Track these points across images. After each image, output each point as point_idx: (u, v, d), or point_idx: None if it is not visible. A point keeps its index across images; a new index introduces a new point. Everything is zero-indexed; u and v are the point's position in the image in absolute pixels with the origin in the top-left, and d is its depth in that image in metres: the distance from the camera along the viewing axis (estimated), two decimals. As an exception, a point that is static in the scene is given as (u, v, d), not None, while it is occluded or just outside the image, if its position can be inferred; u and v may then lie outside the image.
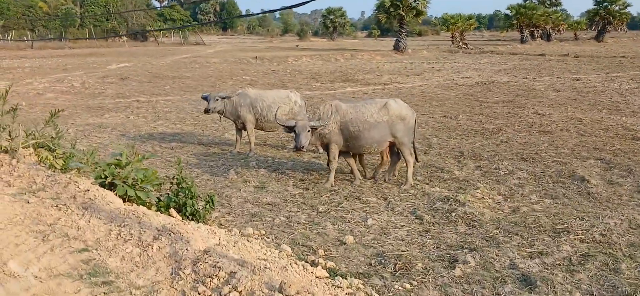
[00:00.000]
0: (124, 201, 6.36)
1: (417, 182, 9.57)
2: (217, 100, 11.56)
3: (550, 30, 67.77)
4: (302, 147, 8.88)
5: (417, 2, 48.08)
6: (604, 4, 68.29)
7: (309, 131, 8.94)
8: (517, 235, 7.11)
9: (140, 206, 6.32)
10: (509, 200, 8.69)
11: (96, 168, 6.57)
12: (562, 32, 70.82)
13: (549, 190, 9.12)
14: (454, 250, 6.57)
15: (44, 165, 7.05)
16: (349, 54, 44.92)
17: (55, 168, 6.93)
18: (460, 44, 54.80)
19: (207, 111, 11.66)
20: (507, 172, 10.14)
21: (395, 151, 9.75)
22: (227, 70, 32.44)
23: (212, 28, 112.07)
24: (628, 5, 68.38)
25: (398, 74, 30.23)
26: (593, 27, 71.81)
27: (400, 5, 47.72)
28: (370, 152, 9.72)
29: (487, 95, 20.69)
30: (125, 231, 4.98)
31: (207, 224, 7.04)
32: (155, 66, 33.71)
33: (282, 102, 11.92)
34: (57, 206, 5.64)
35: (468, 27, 57.67)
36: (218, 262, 4.24)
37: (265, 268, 4.43)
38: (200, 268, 4.24)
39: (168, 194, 7.21)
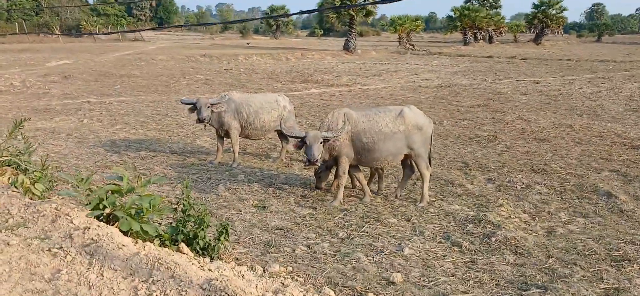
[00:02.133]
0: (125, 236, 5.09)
1: (431, 198, 8.64)
2: (209, 107, 10.22)
3: (492, 32, 68.76)
4: (316, 161, 7.78)
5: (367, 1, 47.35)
6: (542, 7, 69.91)
7: (321, 143, 7.85)
8: (575, 265, 6.27)
9: (150, 244, 5.08)
10: (538, 219, 7.88)
11: (89, 195, 5.24)
12: (503, 34, 72.06)
13: (576, 207, 8.37)
14: (520, 290, 5.64)
15: (17, 191, 5.67)
16: (300, 53, 43.81)
17: (33, 194, 5.55)
18: (408, 45, 54.65)
19: (201, 121, 10.30)
20: (524, 186, 9.36)
21: (408, 164, 8.78)
22: (177, 68, 30.72)
23: (147, 23, 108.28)
24: (564, 10, 70.30)
25: (356, 75, 29.38)
26: (532, 30, 73.39)
27: (350, 3, 46.91)
28: (383, 166, 8.72)
29: (458, 98, 20.09)
30: (157, 290, 3.76)
31: (222, 260, 5.84)
32: (98, 63, 31.50)
33: (270, 107, 10.75)
34: (50, 250, 4.34)
35: (415, 28, 57.61)
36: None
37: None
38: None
39: (172, 224, 5.98)
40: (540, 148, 11.82)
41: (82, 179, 5.29)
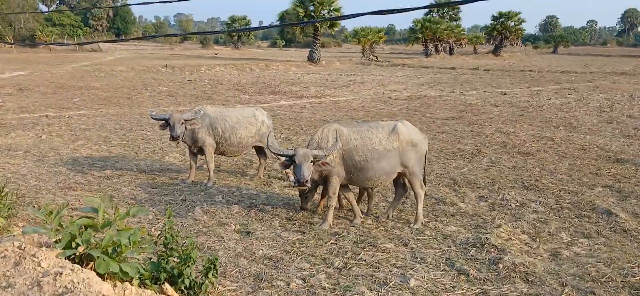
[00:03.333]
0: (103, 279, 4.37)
1: (425, 219, 8.10)
2: (183, 124, 9.46)
3: (453, 44, 69.33)
4: (305, 181, 7.15)
5: (331, 13, 47.05)
6: (501, 19, 70.96)
7: (311, 162, 7.22)
8: (594, 294, 5.80)
9: (130, 286, 4.37)
10: (539, 241, 7.42)
11: (58, 230, 4.49)
12: (463, 46, 72.71)
13: (577, 227, 7.96)
14: (545, 325, 5.13)
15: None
16: (264, 64, 43.14)
17: (-10, 229, 4.76)
18: (371, 56, 54.51)
19: (174, 139, 9.51)
20: (518, 204, 8.92)
21: (400, 182, 8.23)
22: (138, 79, 29.63)
23: (104, 34, 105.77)
24: (522, 22, 71.51)
25: (324, 86, 28.86)
26: (491, 42, 74.38)
27: (315, 16, 46.50)
28: (376, 185, 8.15)
29: (431, 110, 19.75)
30: (152, 356, 3.07)
31: (212, 300, 5.16)
32: (55, 75, 30.11)
33: (247, 122, 10.07)
34: (15, 304, 3.59)
35: (378, 39, 57.51)
36: None
37: None
38: None
39: (151, 259, 5.27)
40: (527, 163, 11.45)
41: (51, 212, 4.54)
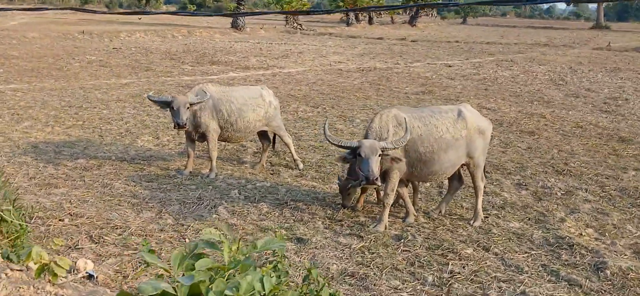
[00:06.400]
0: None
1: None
2: (188, 108, 7.96)
3: (373, 14, 69.17)
4: (376, 178, 6.06)
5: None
6: (418, -10, 71.53)
7: (379, 156, 6.13)
8: None
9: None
10: (609, 236, 6.82)
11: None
12: (382, 15, 72.76)
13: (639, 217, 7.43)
14: None
15: (19, 270, 3.42)
16: (185, 31, 40.59)
17: (54, 276, 3.34)
18: (296, 24, 53.10)
19: (180, 126, 7.96)
20: (563, 192, 8.29)
21: (456, 175, 7.30)
22: (58, 47, 26.70)
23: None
24: (438, -7, 72.44)
25: (262, 56, 27.27)
26: (407, 12, 74.92)
27: (239, -19, 44.39)
28: (439, 180, 7.20)
29: (394, 84, 18.91)
30: None
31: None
32: (-41, 41, 26.61)
33: (255, 104, 8.75)
34: None
35: (301, 7, 56.11)
36: None
37: None
38: None
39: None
40: (540, 144, 10.89)
41: (150, 254, 3.21)
